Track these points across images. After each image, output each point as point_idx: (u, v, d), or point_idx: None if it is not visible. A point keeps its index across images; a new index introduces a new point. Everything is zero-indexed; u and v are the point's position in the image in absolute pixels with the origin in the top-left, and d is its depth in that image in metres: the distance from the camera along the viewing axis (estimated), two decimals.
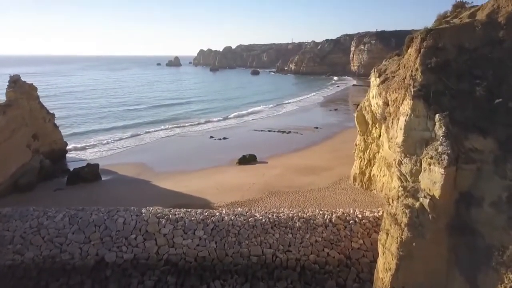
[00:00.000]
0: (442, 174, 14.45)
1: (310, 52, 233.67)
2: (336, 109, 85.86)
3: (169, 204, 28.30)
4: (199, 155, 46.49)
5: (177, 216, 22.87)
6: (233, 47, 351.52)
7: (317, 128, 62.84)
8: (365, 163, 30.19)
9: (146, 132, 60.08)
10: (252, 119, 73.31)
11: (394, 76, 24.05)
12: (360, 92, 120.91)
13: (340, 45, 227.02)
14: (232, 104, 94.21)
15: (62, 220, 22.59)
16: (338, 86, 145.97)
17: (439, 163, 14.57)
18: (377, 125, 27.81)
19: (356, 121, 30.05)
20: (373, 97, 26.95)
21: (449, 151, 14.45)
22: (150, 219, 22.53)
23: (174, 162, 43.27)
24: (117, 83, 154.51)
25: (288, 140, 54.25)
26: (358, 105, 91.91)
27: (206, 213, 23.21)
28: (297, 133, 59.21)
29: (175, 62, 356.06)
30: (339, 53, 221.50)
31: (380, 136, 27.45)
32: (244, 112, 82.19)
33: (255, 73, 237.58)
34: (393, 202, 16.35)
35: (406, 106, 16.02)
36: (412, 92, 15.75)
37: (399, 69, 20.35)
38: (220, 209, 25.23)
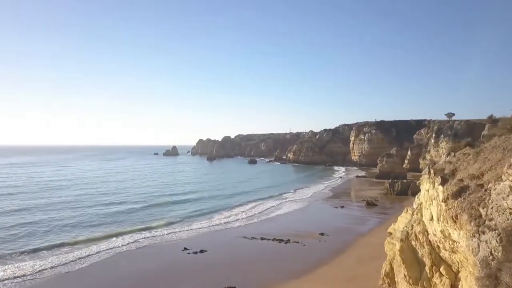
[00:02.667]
0: None
1: (309, 141, 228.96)
2: (342, 206, 73.24)
3: None
4: (157, 285, 32.56)
5: None
6: (232, 136, 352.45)
7: (322, 234, 49.52)
8: None
9: (106, 249, 43.38)
10: (243, 224, 59.12)
11: (481, 185, 12.40)
12: (364, 185, 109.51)
13: (339, 134, 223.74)
14: (222, 203, 79.22)
15: None
16: (340, 177, 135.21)
17: None
18: (442, 269, 15.24)
19: (400, 259, 17.49)
20: (432, 220, 14.91)
21: None
22: None
23: None
24: (106, 176, 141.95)
25: (285, 256, 40.61)
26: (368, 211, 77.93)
27: None
28: (298, 242, 45.74)
29: (172, 152, 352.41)
30: (339, 143, 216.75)
31: None
32: (233, 211, 68.04)
33: (253, 162, 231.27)
34: None
35: None
36: None
37: None
38: None
